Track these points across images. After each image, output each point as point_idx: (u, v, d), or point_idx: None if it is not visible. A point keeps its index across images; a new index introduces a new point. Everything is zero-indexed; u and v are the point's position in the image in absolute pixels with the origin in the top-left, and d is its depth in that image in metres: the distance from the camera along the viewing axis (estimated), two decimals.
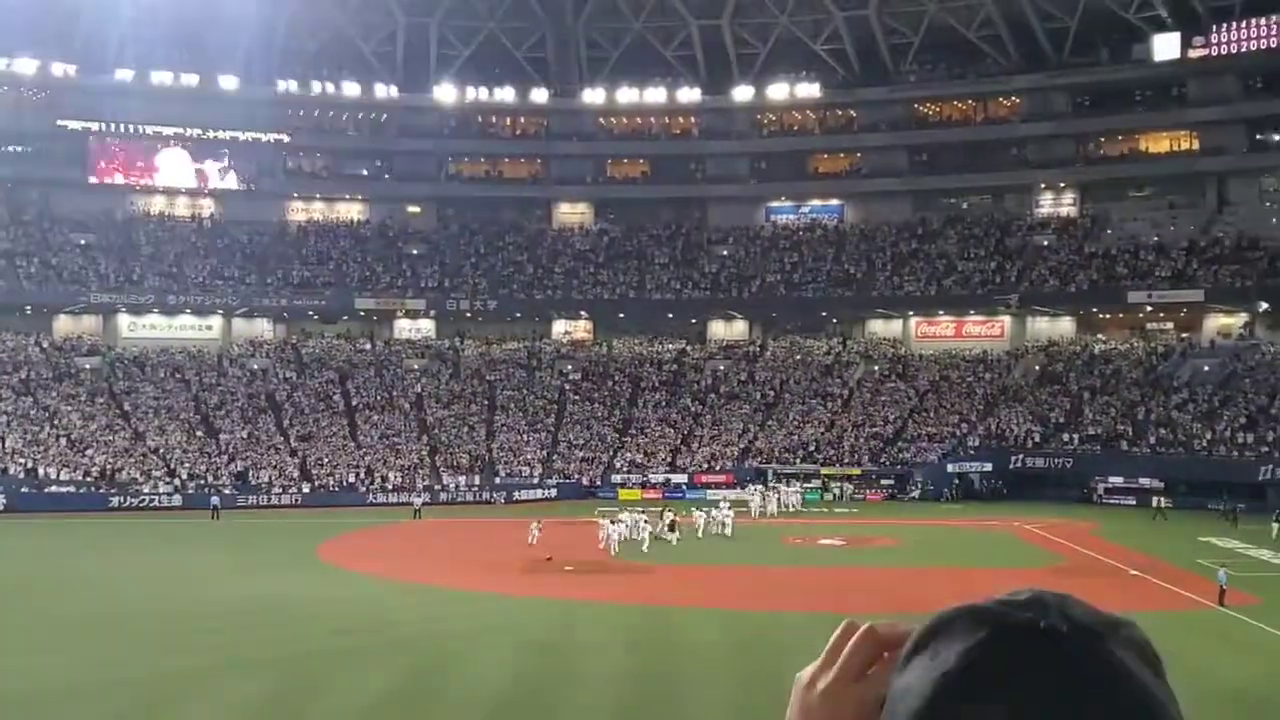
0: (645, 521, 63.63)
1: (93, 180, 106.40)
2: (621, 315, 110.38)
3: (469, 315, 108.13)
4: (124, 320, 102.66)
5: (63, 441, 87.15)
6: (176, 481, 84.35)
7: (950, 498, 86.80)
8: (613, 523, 62.66)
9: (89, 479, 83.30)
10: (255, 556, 59.68)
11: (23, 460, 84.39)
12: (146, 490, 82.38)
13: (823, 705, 1.70)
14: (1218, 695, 32.89)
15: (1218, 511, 74.48)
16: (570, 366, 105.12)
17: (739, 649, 38.07)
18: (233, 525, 72.69)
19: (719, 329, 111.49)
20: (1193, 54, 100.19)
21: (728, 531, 67.45)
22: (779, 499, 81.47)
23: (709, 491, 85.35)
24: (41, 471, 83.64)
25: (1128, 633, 1.53)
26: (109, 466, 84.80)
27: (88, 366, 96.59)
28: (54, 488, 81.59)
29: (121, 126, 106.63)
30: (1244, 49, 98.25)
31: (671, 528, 63.78)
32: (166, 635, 40.03)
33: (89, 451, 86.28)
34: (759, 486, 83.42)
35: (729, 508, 71.34)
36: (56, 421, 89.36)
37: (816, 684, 1.72)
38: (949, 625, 1.55)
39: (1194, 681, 34.33)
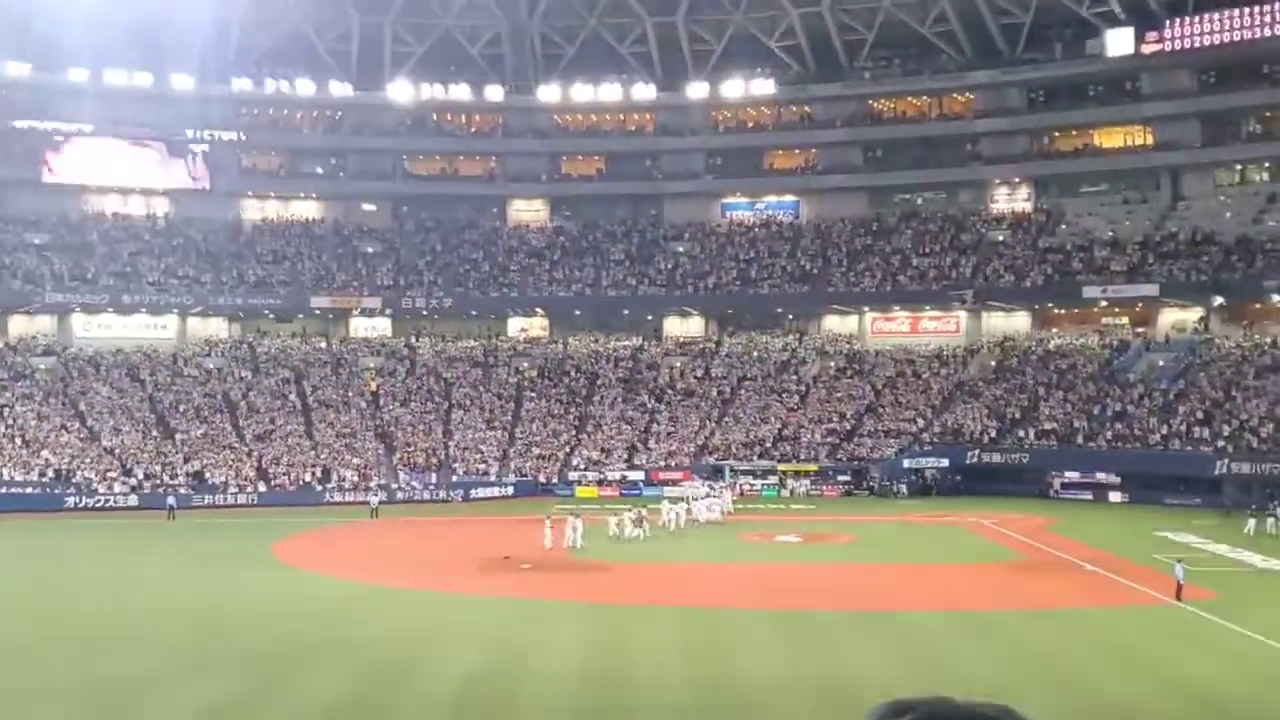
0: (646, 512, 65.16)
1: (47, 180, 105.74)
2: (578, 312, 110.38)
3: (425, 313, 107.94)
4: (78, 320, 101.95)
5: (18, 441, 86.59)
6: (132, 481, 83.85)
7: (902, 493, 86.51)
8: (671, 504, 68.19)
9: (44, 479, 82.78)
10: (211, 557, 59.34)
11: None
12: (102, 490, 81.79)
13: None
14: (1176, 689, 33.15)
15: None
16: (526, 364, 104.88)
17: (694, 647, 38.05)
18: (189, 525, 72.30)
19: (675, 326, 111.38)
20: (1146, 49, 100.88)
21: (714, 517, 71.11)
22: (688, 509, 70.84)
23: (665, 489, 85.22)
24: None
25: None
26: (64, 467, 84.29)
27: (42, 366, 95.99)
28: (9, 489, 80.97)
29: (75, 126, 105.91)
30: (1197, 44, 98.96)
31: (638, 523, 63.68)
32: (121, 637, 39.73)
33: (44, 452, 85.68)
34: (698, 484, 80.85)
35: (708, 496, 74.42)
36: (11, 422, 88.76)
37: None
38: None
39: (1152, 675, 34.62)
